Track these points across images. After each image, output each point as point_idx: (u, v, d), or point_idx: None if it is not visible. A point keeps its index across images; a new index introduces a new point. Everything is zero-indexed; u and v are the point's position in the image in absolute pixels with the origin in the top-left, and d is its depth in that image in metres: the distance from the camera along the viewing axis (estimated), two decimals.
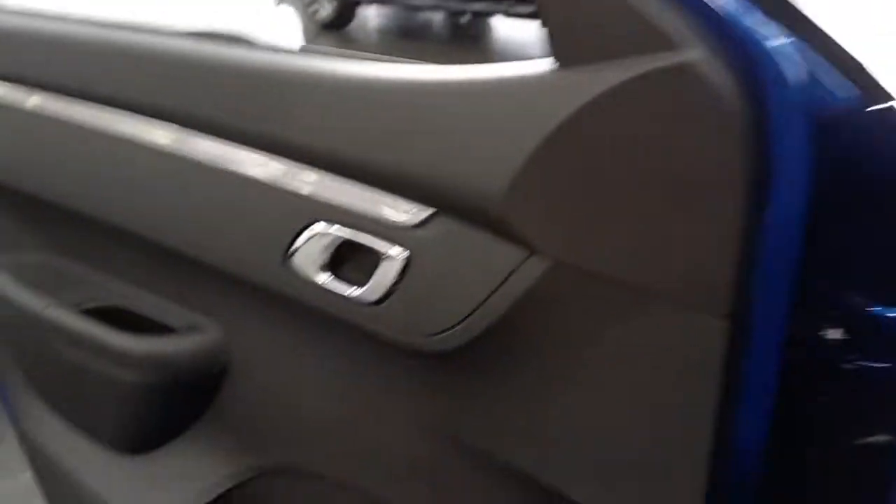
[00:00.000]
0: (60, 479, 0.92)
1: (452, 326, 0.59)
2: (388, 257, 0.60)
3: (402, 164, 0.58)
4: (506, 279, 0.56)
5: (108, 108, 0.74)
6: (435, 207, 0.58)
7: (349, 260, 0.64)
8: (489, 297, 0.57)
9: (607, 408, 0.56)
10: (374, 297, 0.62)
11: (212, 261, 0.71)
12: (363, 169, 0.60)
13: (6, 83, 0.82)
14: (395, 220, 0.60)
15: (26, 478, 1.04)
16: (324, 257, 0.64)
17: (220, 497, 0.79)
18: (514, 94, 0.54)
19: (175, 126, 0.69)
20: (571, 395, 0.57)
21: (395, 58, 0.66)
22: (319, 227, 0.63)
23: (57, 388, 0.91)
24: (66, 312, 0.82)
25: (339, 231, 0.63)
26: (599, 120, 0.50)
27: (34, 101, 0.79)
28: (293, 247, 0.64)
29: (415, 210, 0.59)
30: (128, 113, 0.72)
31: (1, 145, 0.84)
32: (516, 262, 0.55)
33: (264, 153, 0.65)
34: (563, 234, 0.54)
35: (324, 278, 0.64)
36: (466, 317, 0.58)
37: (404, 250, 0.60)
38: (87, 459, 0.88)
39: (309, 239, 0.64)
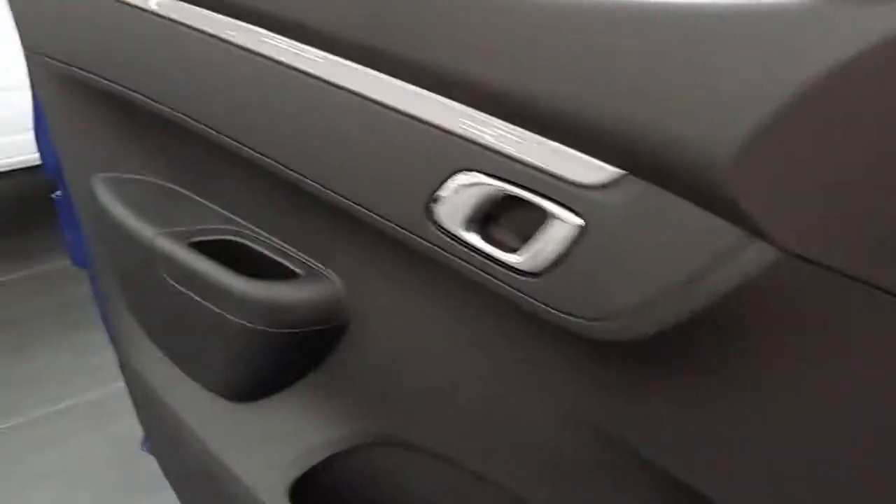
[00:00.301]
0: (158, 412, 0.88)
1: (630, 314, 0.48)
2: (558, 221, 0.50)
3: (591, 111, 0.47)
4: (712, 266, 0.44)
5: (242, 21, 0.64)
6: (626, 166, 0.47)
7: (505, 219, 0.54)
8: (685, 285, 0.46)
9: (825, 438, 0.45)
10: (534, 266, 0.52)
11: (343, 203, 0.62)
12: (538, 113, 0.49)
13: None
14: (571, 178, 0.49)
15: (118, 387, 1.03)
16: (474, 212, 0.54)
17: (322, 462, 0.73)
18: (762, 29, 0.41)
19: (316, 47, 0.59)
20: (782, 416, 0.46)
21: None
22: (473, 176, 0.53)
23: (159, 322, 0.86)
24: (176, 244, 0.75)
25: (497, 184, 0.52)
26: (882, 72, 0.38)
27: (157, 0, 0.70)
28: (438, 195, 0.55)
29: (599, 168, 0.48)
30: (262, 28, 0.63)
31: (116, 47, 0.75)
32: (731, 246, 0.43)
33: (418, 85, 0.55)
34: (807, 219, 0.42)
35: (471, 237, 0.54)
36: (650, 304, 0.47)
37: (579, 215, 0.49)
38: (186, 397, 0.83)
39: (459, 189, 0.54)
